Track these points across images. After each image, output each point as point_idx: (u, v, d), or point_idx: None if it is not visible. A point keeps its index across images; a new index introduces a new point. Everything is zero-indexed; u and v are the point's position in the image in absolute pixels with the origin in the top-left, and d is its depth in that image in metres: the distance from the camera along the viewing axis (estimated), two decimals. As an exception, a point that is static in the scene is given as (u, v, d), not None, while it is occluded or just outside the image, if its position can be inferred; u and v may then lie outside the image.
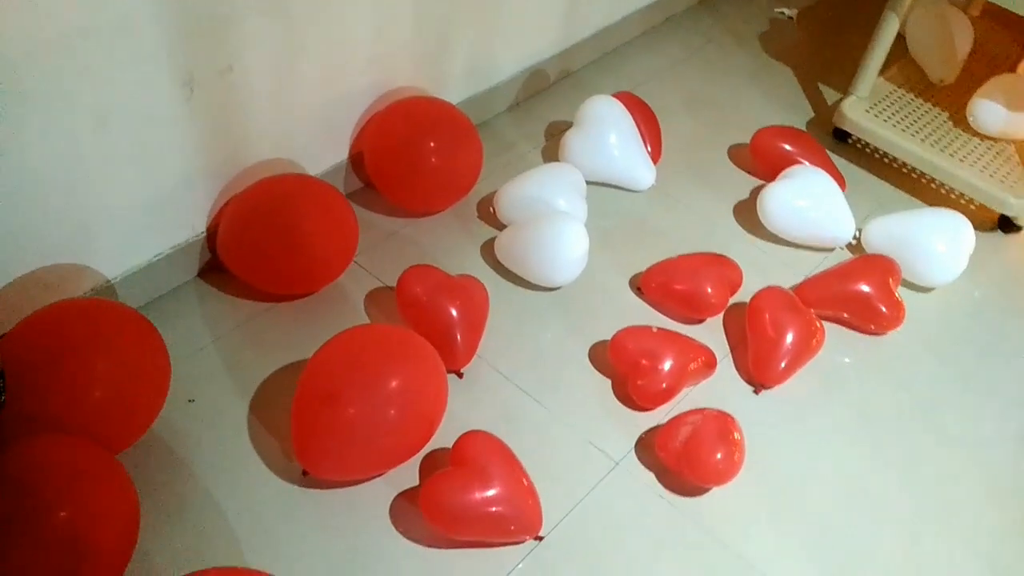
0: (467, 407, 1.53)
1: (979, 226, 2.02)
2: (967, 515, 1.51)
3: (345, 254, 1.66)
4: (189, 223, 1.61)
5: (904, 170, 2.12)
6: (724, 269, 1.76)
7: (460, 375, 1.58)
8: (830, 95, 2.37)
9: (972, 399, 1.69)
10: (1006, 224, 2.03)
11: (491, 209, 1.86)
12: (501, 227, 1.82)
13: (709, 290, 1.71)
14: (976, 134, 2.09)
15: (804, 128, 2.25)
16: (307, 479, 1.39)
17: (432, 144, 1.73)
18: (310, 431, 1.32)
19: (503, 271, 1.78)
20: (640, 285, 1.78)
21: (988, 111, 2.05)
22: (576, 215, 1.81)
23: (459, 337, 1.54)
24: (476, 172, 1.86)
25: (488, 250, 1.81)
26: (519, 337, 1.67)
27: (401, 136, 1.74)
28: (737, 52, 2.50)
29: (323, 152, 1.79)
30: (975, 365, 1.75)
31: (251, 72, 1.51)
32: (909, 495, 1.53)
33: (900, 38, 2.16)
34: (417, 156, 1.73)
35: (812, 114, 2.31)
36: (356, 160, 1.84)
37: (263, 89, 1.55)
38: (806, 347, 1.66)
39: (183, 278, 1.66)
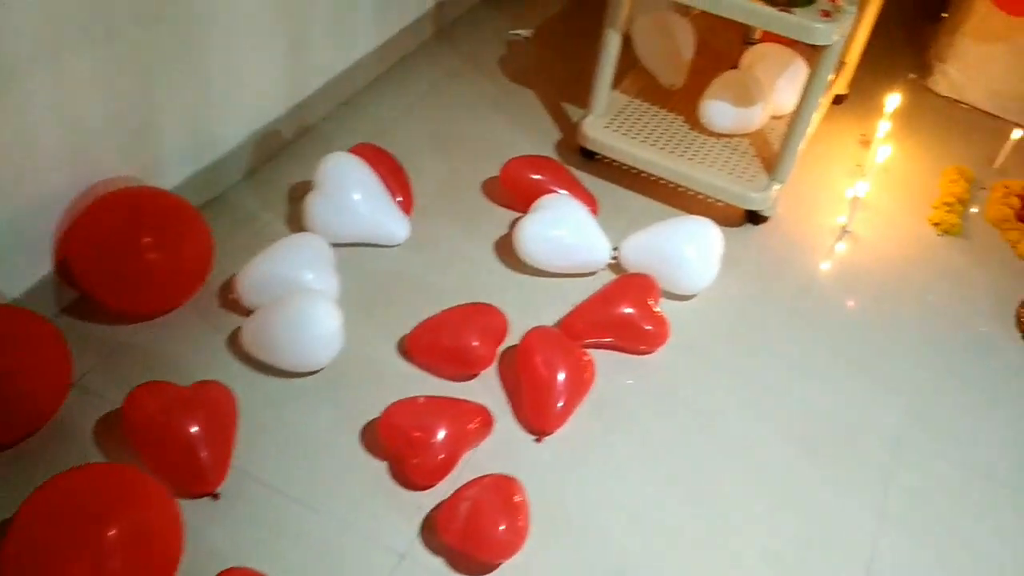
0: (229, 533, 1.38)
1: (730, 222, 2.09)
2: (762, 526, 1.53)
3: (56, 389, 1.45)
4: None
5: (653, 180, 2.15)
6: (488, 318, 1.70)
7: (216, 496, 1.41)
8: (576, 113, 2.38)
9: (748, 399, 1.72)
10: (754, 217, 2.10)
11: (232, 296, 1.71)
12: (248, 313, 1.67)
13: (475, 343, 1.64)
14: (711, 134, 2.16)
15: (555, 150, 2.25)
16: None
17: (146, 238, 1.56)
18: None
19: (255, 362, 1.63)
20: (406, 349, 1.69)
21: (718, 110, 2.12)
22: (326, 287, 1.69)
23: (205, 455, 1.38)
24: (207, 258, 1.70)
25: (236, 342, 1.65)
26: (281, 435, 1.53)
27: (109, 234, 1.55)
28: (479, 81, 2.47)
29: (21, 270, 1.56)
30: (745, 364, 1.79)
31: None
32: (703, 515, 1.52)
33: (632, 48, 2.21)
34: (130, 254, 1.55)
35: (560, 135, 2.31)
36: (63, 269, 1.63)
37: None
38: (579, 383, 1.63)
39: None
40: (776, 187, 2.03)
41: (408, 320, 1.71)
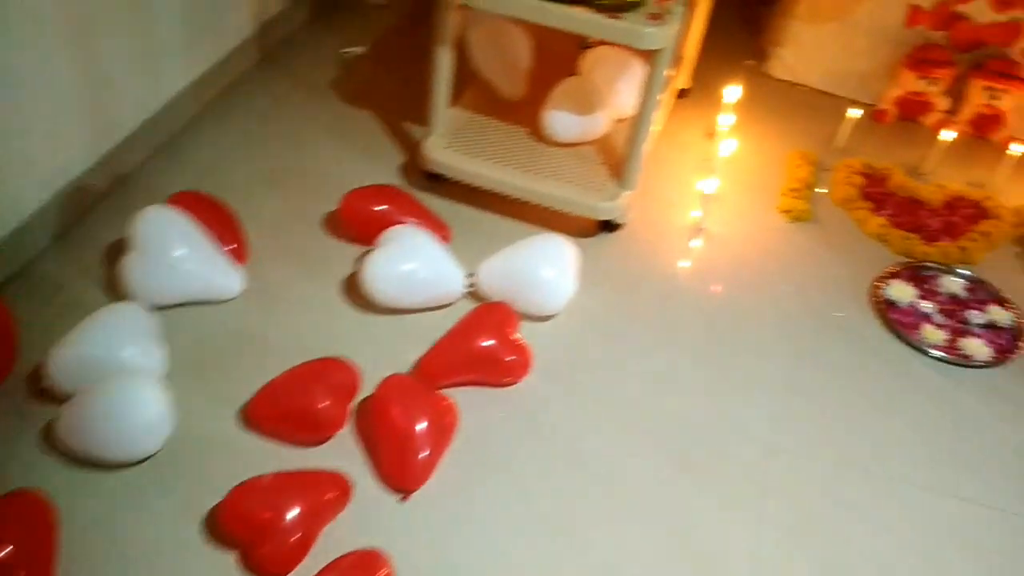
0: (54, 664, 1.21)
1: (585, 233, 2.03)
2: (643, 553, 1.47)
3: None
4: None
5: (504, 197, 2.06)
6: (336, 373, 1.57)
7: (35, 626, 1.24)
8: (419, 133, 2.27)
9: (616, 419, 1.67)
10: (608, 225, 2.05)
11: (44, 384, 1.51)
12: (63, 401, 1.48)
13: (324, 404, 1.52)
14: (557, 144, 2.09)
15: (400, 175, 2.13)
16: None
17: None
18: None
19: (75, 457, 1.45)
20: (249, 418, 1.54)
21: (560, 120, 2.05)
22: (150, 363, 1.52)
23: (16, 583, 1.21)
24: (9, 343, 1.50)
25: (52, 435, 1.46)
26: (111, 540, 1.36)
27: None
28: (312, 106, 2.32)
29: None
30: (611, 381, 1.73)
31: None
32: (587, 552, 1.45)
33: (469, 60, 2.11)
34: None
35: (404, 158, 2.19)
36: None
37: None
38: (441, 430, 1.53)
39: None
40: (626, 194, 1.99)
41: (248, 385, 1.57)
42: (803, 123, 2.54)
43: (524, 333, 1.75)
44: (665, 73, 1.81)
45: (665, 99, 2.28)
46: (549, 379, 1.71)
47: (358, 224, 1.90)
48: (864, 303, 1.99)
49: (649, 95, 1.83)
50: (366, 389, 1.60)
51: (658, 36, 1.68)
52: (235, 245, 1.82)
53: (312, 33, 2.61)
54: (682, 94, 2.53)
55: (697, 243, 2.09)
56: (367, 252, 1.78)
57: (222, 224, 1.82)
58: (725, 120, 2.31)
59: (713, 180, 2.16)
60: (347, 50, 2.55)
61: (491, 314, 1.73)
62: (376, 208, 1.89)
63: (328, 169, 2.12)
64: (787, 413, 1.72)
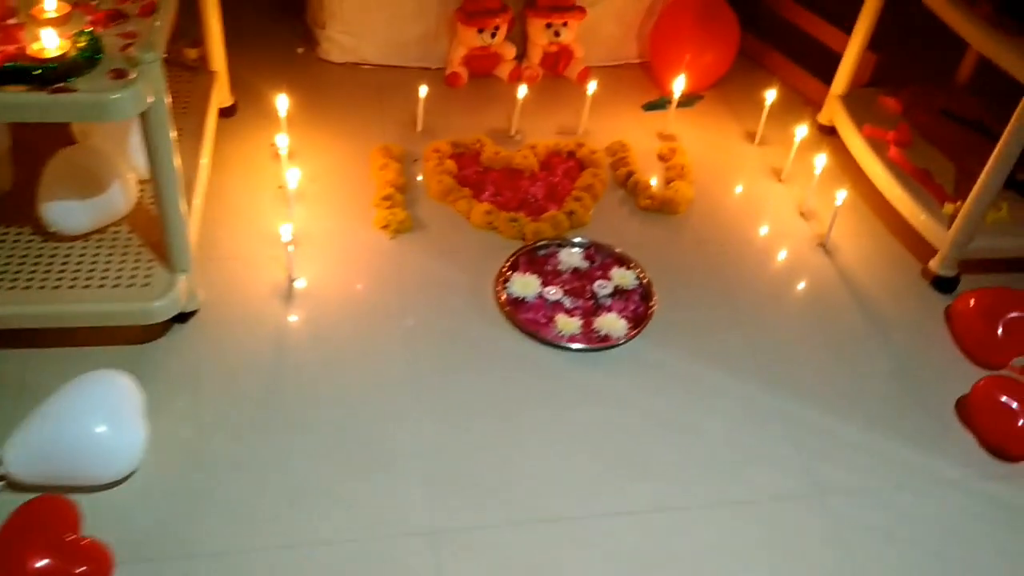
0: None
1: (150, 335, 1.61)
2: None
3: None
4: None
5: (17, 333, 1.55)
6: None
7: None
8: None
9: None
10: (177, 317, 1.62)
11: None
12: None
13: None
14: (74, 238, 1.60)
15: None
16: None
17: None
18: None
19: None
20: None
21: (63, 209, 1.55)
22: None
23: None
24: None
25: None
26: None
27: None
28: None
29: None
30: (235, 546, 1.36)
31: None
32: None
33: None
34: None
35: None
36: None
37: None
38: None
39: None
40: (182, 277, 1.57)
41: None
42: (377, 109, 2.26)
43: (93, 520, 1.31)
44: (171, 134, 1.40)
45: (206, 129, 1.87)
46: (146, 562, 1.30)
47: None
48: (493, 309, 1.78)
49: (160, 158, 1.41)
50: None
51: (132, 99, 1.26)
52: None
53: None
54: (228, 113, 2.12)
55: (294, 295, 1.74)
56: None
57: None
58: (283, 140, 1.94)
59: (290, 219, 1.81)
60: None
61: (36, 518, 1.27)
62: None
63: None
64: (443, 475, 1.47)
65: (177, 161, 1.44)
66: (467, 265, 1.87)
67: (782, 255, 1.99)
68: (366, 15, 2.30)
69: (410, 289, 1.80)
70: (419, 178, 2.06)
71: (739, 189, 2.17)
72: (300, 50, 2.42)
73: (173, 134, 1.40)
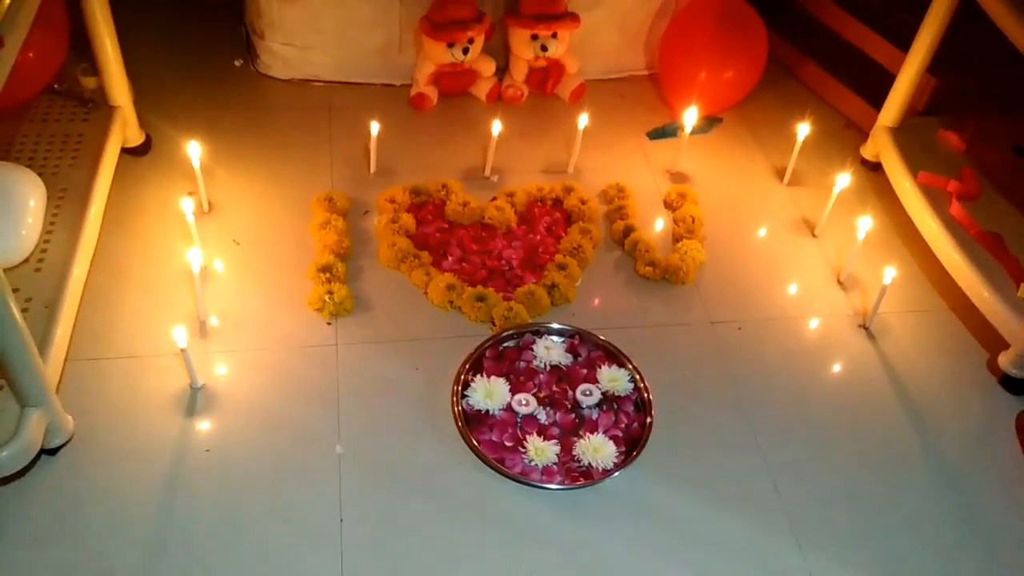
0: None
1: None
2: None
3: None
4: None
5: None
6: None
7: None
8: None
9: None
10: (44, 451, 1.27)
11: None
12: None
13: None
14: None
15: None
16: None
17: None
18: None
19: None
20: None
21: None
22: None
23: None
24: None
25: None
26: None
27: None
28: None
29: None
30: None
31: None
32: None
33: None
34: None
35: None
36: None
37: None
38: None
39: None
40: (35, 413, 1.21)
41: None
42: (326, 139, 1.87)
43: None
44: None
45: (100, 185, 1.50)
46: None
47: None
48: (449, 424, 1.41)
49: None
50: None
51: None
52: None
53: None
54: (141, 151, 1.74)
55: (196, 407, 1.39)
56: None
57: None
58: (188, 205, 1.55)
59: (196, 305, 1.44)
60: None
61: None
62: None
63: None
64: None
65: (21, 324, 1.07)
66: (420, 358, 1.50)
67: (813, 336, 1.61)
68: (312, 23, 1.90)
69: (346, 397, 1.43)
70: (371, 227, 1.69)
71: (762, 247, 1.77)
72: (238, 63, 2.02)
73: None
